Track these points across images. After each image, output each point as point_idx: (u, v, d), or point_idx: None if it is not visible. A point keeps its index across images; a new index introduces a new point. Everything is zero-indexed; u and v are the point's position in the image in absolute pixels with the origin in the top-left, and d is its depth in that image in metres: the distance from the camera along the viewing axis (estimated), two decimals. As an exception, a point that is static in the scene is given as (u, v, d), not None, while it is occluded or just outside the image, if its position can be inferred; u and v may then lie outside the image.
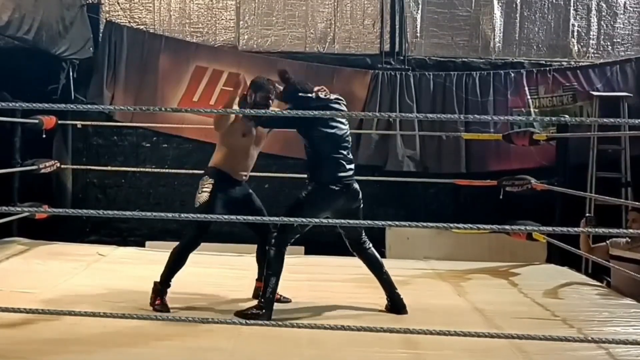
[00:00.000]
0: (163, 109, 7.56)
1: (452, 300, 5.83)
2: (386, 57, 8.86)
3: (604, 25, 8.98)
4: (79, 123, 8.45)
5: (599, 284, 6.62)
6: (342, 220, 4.58)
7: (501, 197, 7.67)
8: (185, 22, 8.95)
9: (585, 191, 8.05)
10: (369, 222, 4.24)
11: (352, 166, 5.12)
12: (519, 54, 8.98)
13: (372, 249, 5.31)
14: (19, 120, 7.59)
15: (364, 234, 5.26)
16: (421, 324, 4.22)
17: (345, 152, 5.08)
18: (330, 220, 4.54)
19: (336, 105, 5.14)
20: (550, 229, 5.02)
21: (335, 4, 8.94)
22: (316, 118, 4.82)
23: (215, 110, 8.73)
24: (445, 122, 8.49)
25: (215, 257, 7.19)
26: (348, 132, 5.14)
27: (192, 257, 7.19)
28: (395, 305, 5.24)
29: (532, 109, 8.66)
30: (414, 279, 6.36)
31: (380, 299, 5.63)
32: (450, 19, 8.94)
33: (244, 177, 5.43)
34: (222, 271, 6.61)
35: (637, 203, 7.40)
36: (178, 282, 6.07)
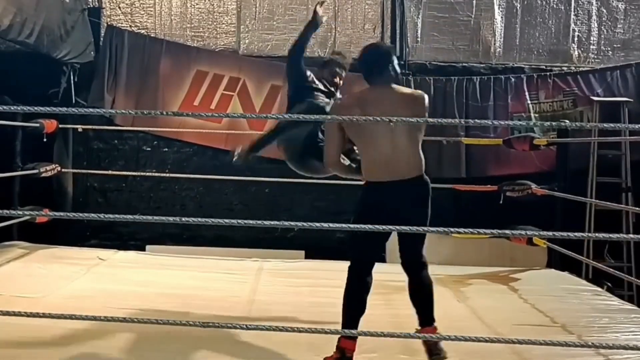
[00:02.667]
0: (164, 113, 7.57)
1: (452, 306, 5.83)
2: (387, 62, 8.86)
3: (605, 31, 8.99)
4: (79, 127, 8.45)
5: (599, 289, 6.62)
6: (352, 225, 3.98)
7: (501, 202, 7.67)
8: (186, 27, 8.95)
9: (585, 196, 8.06)
10: (370, 226, 4.23)
11: None
12: (519, 59, 8.98)
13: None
14: (19, 124, 7.60)
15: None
16: (421, 329, 4.23)
17: None
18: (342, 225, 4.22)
19: None
20: (550, 234, 5.02)
21: (336, 8, 8.94)
22: None
23: (217, 114, 8.76)
24: (445, 126, 8.49)
25: (216, 262, 7.20)
26: None
27: (193, 261, 7.22)
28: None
29: (532, 114, 8.66)
30: (414, 284, 6.36)
31: (379, 302, 5.64)
32: (450, 23, 8.94)
33: None
34: (223, 276, 6.61)
35: (637, 209, 7.41)
36: (177, 286, 6.08)
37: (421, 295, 4.37)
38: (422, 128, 4.44)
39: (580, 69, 8.90)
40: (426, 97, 4.44)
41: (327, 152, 4.41)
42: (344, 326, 4.22)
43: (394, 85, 4.39)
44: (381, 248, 4.44)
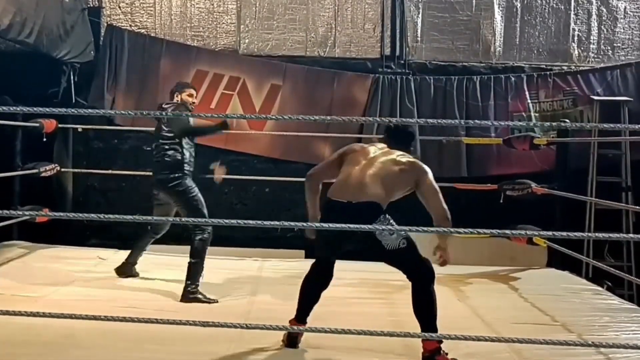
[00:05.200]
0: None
1: (452, 305, 5.83)
2: (387, 61, 8.86)
3: (604, 30, 8.99)
4: (79, 127, 8.45)
5: (599, 288, 6.62)
6: (361, 225, 4.02)
7: (502, 201, 7.67)
8: (186, 26, 8.95)
9: (585, 195, 8.05)
10: (370, 226, 4.25)
11: None
12: (519, 59, 8.98)
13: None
14: (19, 124, 7.61)
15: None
16: (421, 328, 4.23)
17: None
18: (341, 226, 4.24)
19: None
20: (550, 233, 5.02)
21: (336, 8, 8.94)
22: None
23: (216, 115, 8.76)
24: (445, 126, 8.49)
25: (216, 261, 7.19)
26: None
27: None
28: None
29: (532, 114, 8.66)
30: (414, 283, 6.36)
31: (380, 301, 5.64)
32: (450, 23, 8.94)
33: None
34: (223, 275, 6.61)
35: (637, 207, 7.40)
36: (178, 286, 6.08)
37: (415, 309, 4.39)
38: (400, 186, 4.55)
39: (581, 68, 8.89)
40: (426, 171, 4.54)
41: (317, 166, 4.88)
42: (297, 310, 4.64)
43: (400, 151, 4.64)
44: (335, 254, 4.66)
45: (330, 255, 4.70)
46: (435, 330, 4.26)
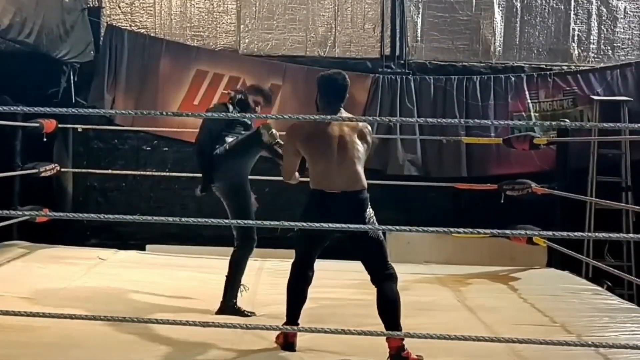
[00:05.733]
0: (164, 113, 7.55)
1: (452, 305, 5.83)
2: (387, 61, 8.86)
3: (604, 30, 8.99)
4: (79, 127, 8.45)
5: (599, 288, 6.63)
6: (351, 225, 4.12)
7: (502, 201, 7.67)
8: (186, 26, 8.95)
9: (585, 195, 8.06)
10: (370, 225, 4.25)
11: None
12: (519, 58, 8.98)
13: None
14: (19, 124, 7.61)
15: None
16: (421, 329, 4.23)
17: None
18: (331, 226, 4.36)
19: None
20: (550, 233, 5.02)
21: (336, 8, 8.94)
22: None
23: (217, 115, 8.75)
24: (445, 126, 8.49)
25: (216, 261, 7.19)
26: None
27: (193, 261, 7.23)
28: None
29: (532, 113, 8.66)
30: (414, 284, 6.37)
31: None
32: (450, 23, 8.94)
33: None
34: (223, 275, 6.59)
35: (637, 207, 7.41)
36: (178, 286, 6.09)
37: (384, 309, 4.45)
38: (366, 154, 4.66)
39: (580, 68, 8.89)
40: (370, 128, 4.72)
41: (285, 169, 4.90)
42: (287, 315, 4.61)
43: (342, 112, 4.66)
44: (321, 247, 4.68)
45: (318, 247, 4.67)
46: (400, 329, 4.33)
